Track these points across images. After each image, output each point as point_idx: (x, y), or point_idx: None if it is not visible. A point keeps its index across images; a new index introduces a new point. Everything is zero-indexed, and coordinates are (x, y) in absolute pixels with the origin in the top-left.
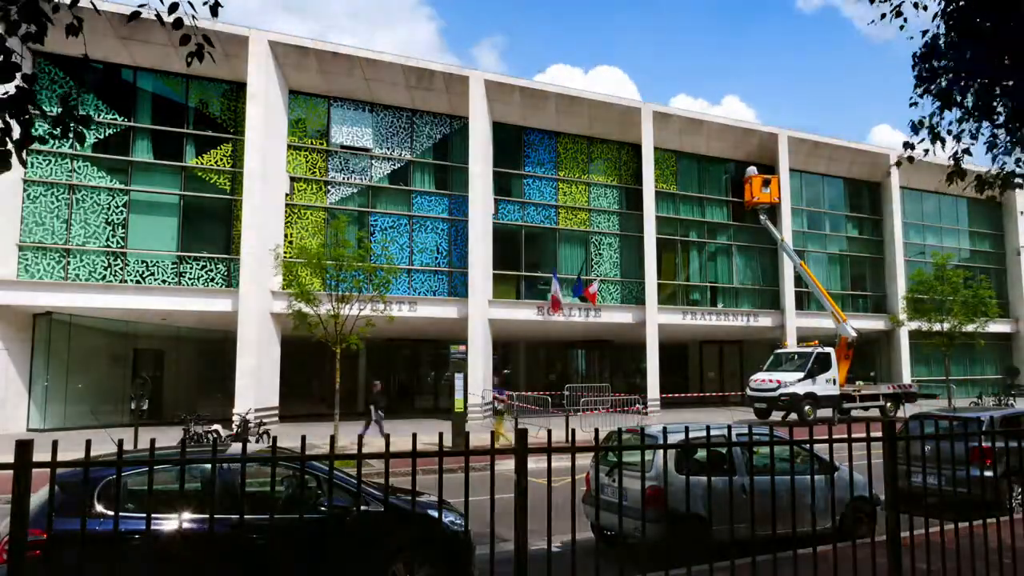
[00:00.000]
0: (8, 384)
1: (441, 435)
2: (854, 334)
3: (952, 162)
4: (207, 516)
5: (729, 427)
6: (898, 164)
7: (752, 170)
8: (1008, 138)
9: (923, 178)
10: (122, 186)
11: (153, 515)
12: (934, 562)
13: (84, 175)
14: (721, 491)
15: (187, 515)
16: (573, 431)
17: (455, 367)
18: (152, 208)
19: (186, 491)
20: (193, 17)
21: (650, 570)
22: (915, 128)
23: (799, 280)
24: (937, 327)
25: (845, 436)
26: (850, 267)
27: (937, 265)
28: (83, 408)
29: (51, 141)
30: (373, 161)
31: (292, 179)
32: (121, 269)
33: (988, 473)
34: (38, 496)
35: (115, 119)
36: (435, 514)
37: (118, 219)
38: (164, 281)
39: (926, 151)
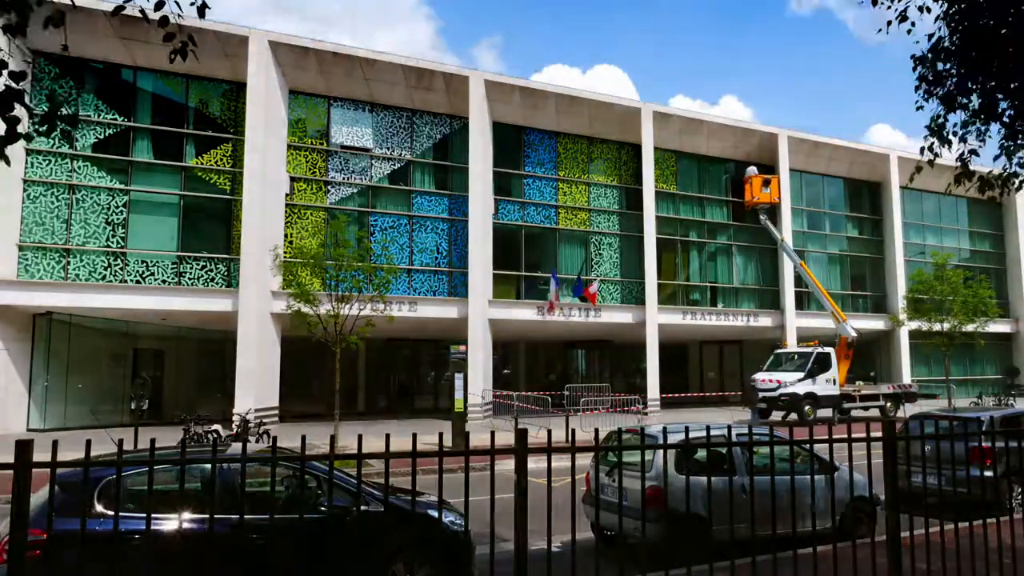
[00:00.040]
0: (8, 384)
1: (441, 435)
2: (854, 334)
3: (959, 164)
4: (207, 516)
5: (729, 427)
6: (918, 170)
7: (752, 170)
8: (1013, 140)
9: (923, 178)
10: (122, 186)
11: (153, 515)
12: (934, 562)
13: (84, 175)
14: (721, 491)
15: (187, 515)
16: (573, 431)
17: (455, 367)
18: (152, 208)
19: (186, 491)
20: (179, 16)
21: (650, 570)
22: (932, 132)
23: (799, 280)
24: (937, 327)
25: (845, 436)
26: (850, 267)
27: (937, 265)
28: (83, 408)
29: (47, 141)
30: (373, 161)
31: (292, 179)
32: (121, 269)
33: (988, 473)
34: (38, 496)
35: (115, 119)
36: (435, 514)
37: (118, 219)
38: (164, 281)
39: (936, 155)
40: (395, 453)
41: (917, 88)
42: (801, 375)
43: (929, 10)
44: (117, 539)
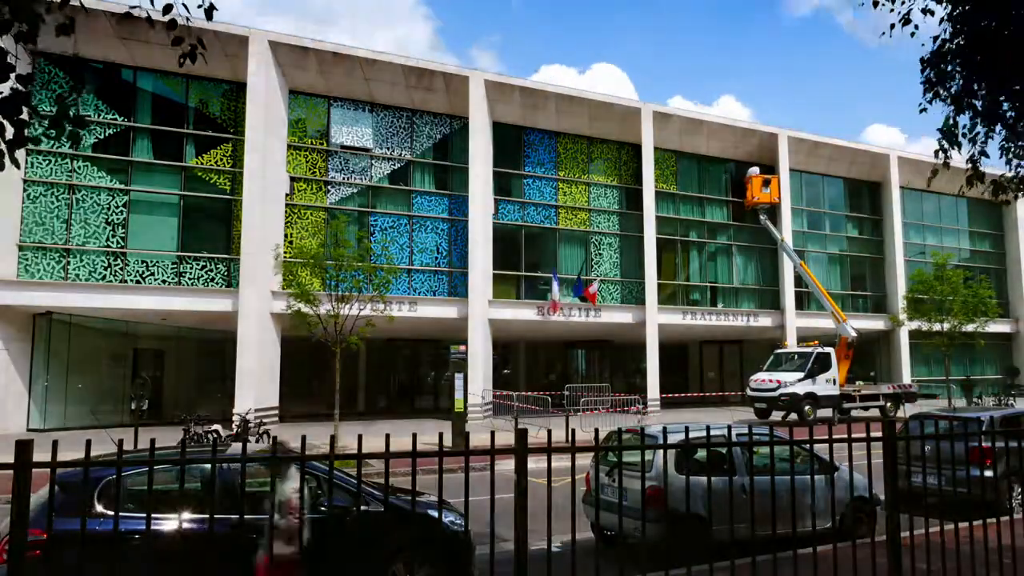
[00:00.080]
0: (8, 384)
1: (441, 435)
2: (854, 334)
3: (970, 166)
4: (207, 516)
5: (729, 427)
6: (934, 173)
7: (753, 170)
8: (1015, 142)
9: (924, 178)
10: (122, 186)
11: (153, 515)
12: (934, 562)
13: (84, 175)
14: (721, 491)
15: (187, 515)
16: (573, 431)
17: (455, 367)
18: (152, 208)
19: (186, 491)
20: (187, 19)
21: (650, 570)
22: (944, 134)
23: (799, 280)
24: (937, 327)
25: (845, 436)
26: (850, 267)
27: (937, 265)
28: (83, 408)
29: (48, 141)
30: (373, 161)
31: (292, 179)
32: (121, 269)
33: (988, 473)
34: (38, 496)
35: (115, 119)
36: (435, 514)
37: (118, 219)
38: (164, 281)
39: (949, 157)
40: (395, 453)
41: (925, 91)
42: (801, 375)
43: (932, 13)
44: (117, 539)
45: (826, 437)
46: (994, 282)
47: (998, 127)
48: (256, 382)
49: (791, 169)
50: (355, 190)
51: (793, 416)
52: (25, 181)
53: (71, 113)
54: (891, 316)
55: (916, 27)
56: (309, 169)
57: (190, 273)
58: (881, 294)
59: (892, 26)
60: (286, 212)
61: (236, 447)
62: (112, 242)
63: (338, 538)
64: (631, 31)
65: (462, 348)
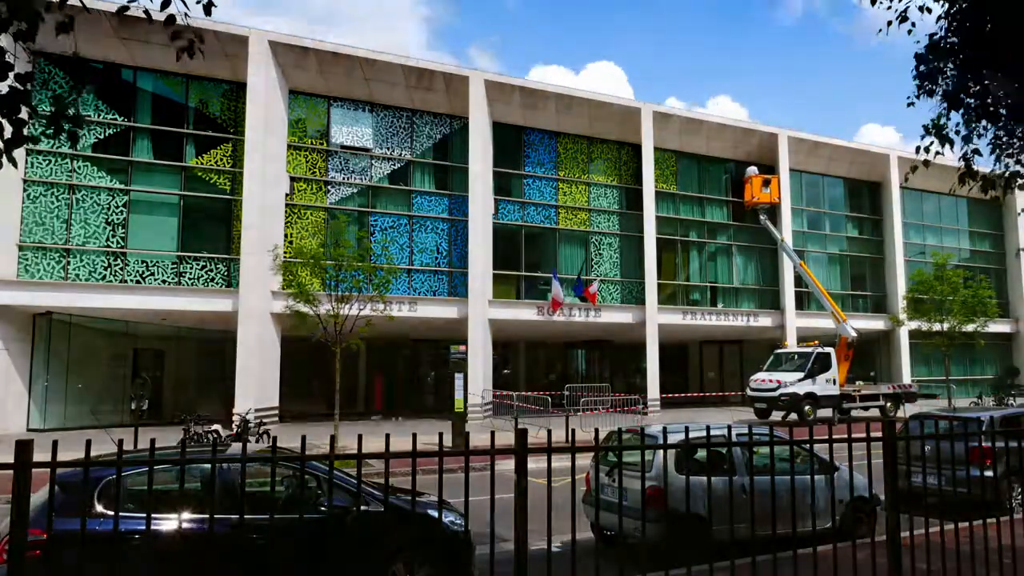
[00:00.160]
0: (8, 384)
1: (441, 435)
2: (854, 334)
3: (962, 164)
4: (207, 516)
5: (729, 427)
6: (913, 169)
7: (753, 170)
8: (1010, 139)
9: (924, 178)
10: (122, 186)
11: (153, 515)
12: (934, 562)
13: (84, 175)
14: (721, 491)
15: (187, 515)
16: (573, 431)
17: (455, 367)
18: (152, 208)
19: (186, 491)
20: (185, 15)
21: (650, 570)
22: (930, 131)
23: (799, 280)
24: (937, 327)
25: (845, 436)
26: (850, 267)
27: (937, 265)
28: (83, 408)
29: (46, 141)
30: (373, 161)
31: (292, 179)
32: (121, 269)
33: (988, 473)
34: (38, 496)
35: (115, 119)
36: (435, 514)
37: (118, 219)
38: (164, 281)
39: (937, 153)
40: (395, 453)
41: (919, 87)
42: (801, 375)
43: (930, 10)
44: (117, 539)
45: (826, 437)
46: (994, 282)
47: (998, 123)
48: (256, 382)
49: (791, 169)
50: (355, 190)
51: (793, 416)
52: (25, 181)
53: (69, 112)
54: (891, 316)
55: (913, 24)
56: (309, 169)
57: (190, 273)
58: (881, 294)
59: (889, 23)
60: (286, 212)
61: (236, 447)
62: (112, 242)
63: (338, 538)
64: (629, 31)
65: (462, 348)
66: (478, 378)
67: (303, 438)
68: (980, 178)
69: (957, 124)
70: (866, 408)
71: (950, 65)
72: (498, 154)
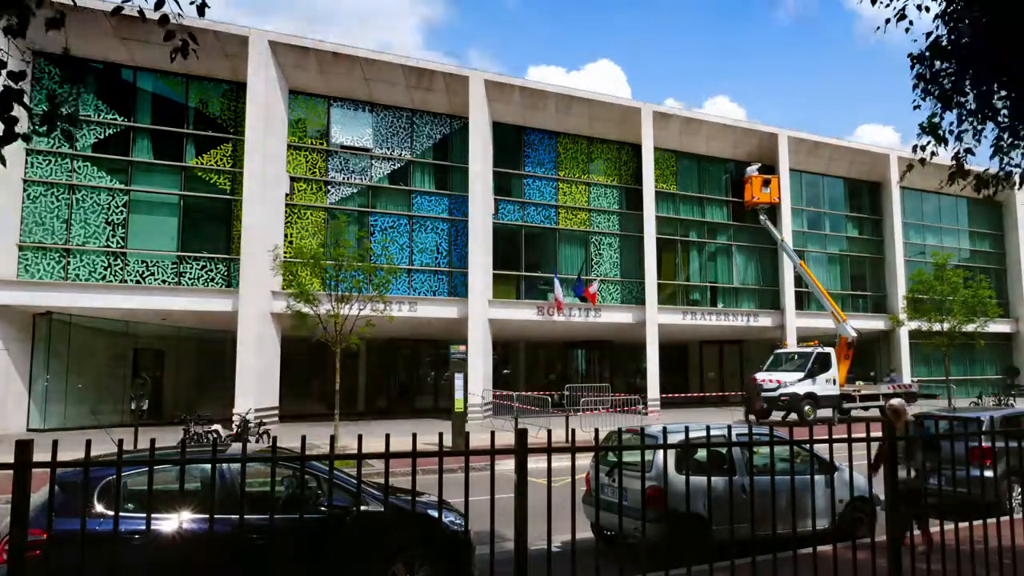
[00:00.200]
0: (8, 384)
1: (441, 435)
2: (854, 334)
3: (954, 162)
4: (207, 516)
5: (729, 427)
6: (910, 168)
7: (752, 170)
8: (1010, 138)
9: (923, 178)
10: (122, 186)
11: (153, 515)
12: (934, 562)
13: (84, 175)
14: (721, 491)
15: (187, 515)
16: (573, 431)
17: (455, 367)
18: (152, 208)
19: (186, 491)
20: (179, 15)
21: (650, 570)
22: (926, 131)
23: (799, 280)
24: (937, 327)
25: (845, 436)
26: (850, 267)
27: (937, 265)
28: (83, 408)
29: (47, 141)
30: (373, 161)
31: (292, 179)
32: (121, 269)
33: (988, 473)
34: (38, 496)
35: (115, 119)
36: (435, 514)
37: (118, 219)
38: (164, 281)
39: (933, 153)
40: (395, 453)
41: (915, 87)
42: (801, 375)
43: (928, 9)
44: (117, 539)
45: (826, 437)
46: (994, 282)
47: (989, 125)
48: (256, 382)
49: (791, 169)
50: (355, 190)
51: (793, 416)
52: (25, 181)
53: (63, 111)
54: (891, 316)
55: (911, 22)
56: (309, 169)
57: (190, 273)
58: (881, 294)
59: (887, 20)
60: (286, 212)
61: (236, 447)
62: (112, 242)
63: (338, 538)
64: (628, 31)
65: (462, 348)
66: (478, 378)
67: (303, 438)
68: (973, 177)
69: (951, 123)
70: (866, 408)
71: (947, 64)
72: (498, 154)
